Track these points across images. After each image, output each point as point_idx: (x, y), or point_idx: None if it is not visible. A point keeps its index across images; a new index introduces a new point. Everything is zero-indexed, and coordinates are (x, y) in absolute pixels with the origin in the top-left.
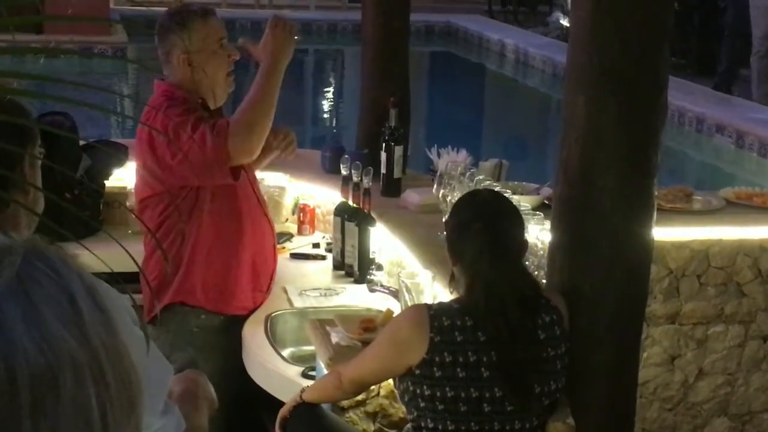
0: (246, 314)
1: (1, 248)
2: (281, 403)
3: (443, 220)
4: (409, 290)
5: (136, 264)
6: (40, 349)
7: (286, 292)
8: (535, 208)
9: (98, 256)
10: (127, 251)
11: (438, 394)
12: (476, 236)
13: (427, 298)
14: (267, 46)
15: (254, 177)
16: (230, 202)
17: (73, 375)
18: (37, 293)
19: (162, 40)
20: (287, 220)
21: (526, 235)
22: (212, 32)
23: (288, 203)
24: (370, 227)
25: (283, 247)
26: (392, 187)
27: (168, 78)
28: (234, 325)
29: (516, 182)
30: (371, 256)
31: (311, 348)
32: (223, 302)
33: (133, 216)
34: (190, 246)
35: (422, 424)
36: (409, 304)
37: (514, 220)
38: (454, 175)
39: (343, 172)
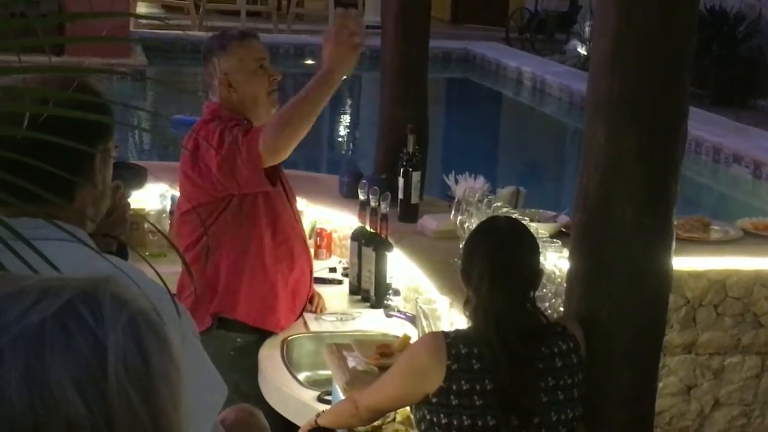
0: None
1: (47, 288)
2: (297, 427)
3: (460, 246)
4: (426, 316)
5: (164, 283)
6: (29, 405)
7: (302, 316)
8: (552, 236)
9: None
10: (157, 273)
11: (455, 422)
12: (481, 259)
13: (444, 325)
14: (327, 54)
15: (294, 198)
16: (273, 218)
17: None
18: (56, 345)
19: (205, 63)
20: None
21: (542, 263)
22: (250, 53)
23: (305, 227)
24: (387, 252)
25: None
26: (409, 213)
27: (213, 100)
28: None
29: (533, 209)
30: (388, 282)
31: (327, 372)
32: (263, 318)
33: (152, 238)
34: (231, 258)
35: None
36: (426, 330)
37: (526, 248)
38: (472, 202)
39: (361, 197)
